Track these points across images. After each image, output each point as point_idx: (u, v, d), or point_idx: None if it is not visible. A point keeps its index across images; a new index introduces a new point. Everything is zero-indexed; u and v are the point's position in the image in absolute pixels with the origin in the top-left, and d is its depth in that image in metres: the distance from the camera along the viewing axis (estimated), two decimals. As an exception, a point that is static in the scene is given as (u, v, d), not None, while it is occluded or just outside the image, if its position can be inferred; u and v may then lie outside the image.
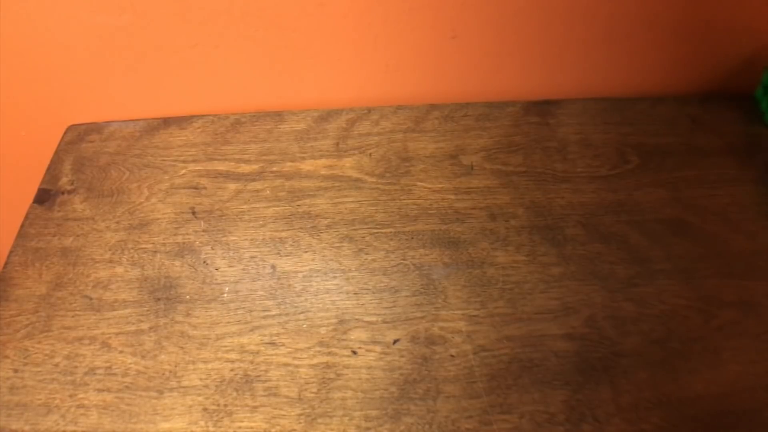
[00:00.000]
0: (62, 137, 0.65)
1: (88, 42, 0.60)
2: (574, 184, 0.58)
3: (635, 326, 0.49)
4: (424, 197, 0.58)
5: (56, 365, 0.49)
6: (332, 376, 0.48)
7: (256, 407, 0.46)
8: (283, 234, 0.56)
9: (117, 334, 0.51)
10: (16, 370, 0.49)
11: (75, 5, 0.57)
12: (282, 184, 0.60)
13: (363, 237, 0.55)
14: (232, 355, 0.49)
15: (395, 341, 0.49)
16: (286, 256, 0.55)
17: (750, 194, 0.56)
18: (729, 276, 0.51)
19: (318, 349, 0.49)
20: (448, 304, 0.51)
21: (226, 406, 0.47)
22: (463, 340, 0.49)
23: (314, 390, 0.47)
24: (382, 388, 0.47)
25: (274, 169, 0.61)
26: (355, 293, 0.52)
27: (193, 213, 0.58)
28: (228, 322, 0.51)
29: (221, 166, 0.61)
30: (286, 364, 0.48)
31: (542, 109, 0.64)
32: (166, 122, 0.66)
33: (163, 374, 0.48)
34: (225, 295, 0.53)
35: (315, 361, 0.48)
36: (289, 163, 0.61)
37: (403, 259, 0.54)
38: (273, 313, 0.51)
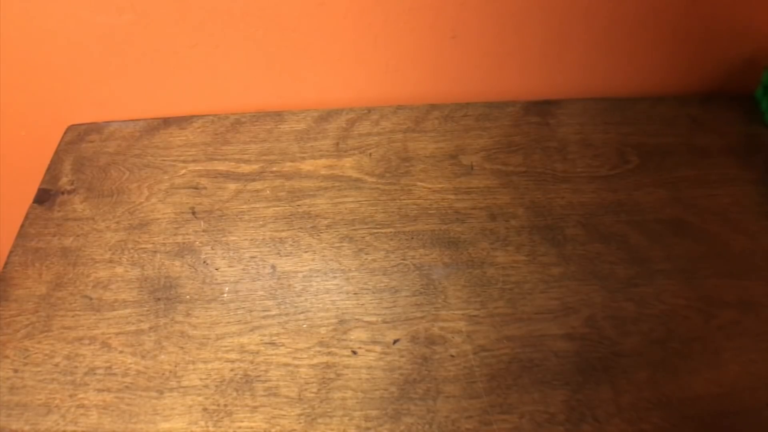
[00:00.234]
0: (62, 137, 0.65)
1: (88, 42, 0.60)
2: (574, 184, 0.58)
3: (635, 326, 0.49)
4: (424, 197, 0.58)
5: (56, 365, 0.49)
6: (332, 376, 0.48)
7: (256, 407, 0.46)
8: (283, 234, 0.56)
9: (117, 334, 0.51)
10: (16, 370, 0.49)
11: (75, 5, 0.57)
12: (282, 184, 0.60)
13: (363, 237, 0.55)
14: (232, 355, 0.49)
15: (395, 341, 0.49)
16: (286, 256, 0.55)
17: (750, 194, 0.56)
18: (729, 276, 0.51)
19: (318, 349, 0.49)
20: (448, 304, 0.51)
21: (226, 406, 0.47)
22: (463, 340, 0.49)
23: (314, 390, 0.47)
24: (382, 388, 0.47)
25: (274, 169, 0.61)
26: (355, 293, 0.52)
27: (193, 213, 0.58)
28: (228, 322, 0.51)
29: (221, 166, 0.61)
30: (286, 364, 0.48)
31: (542, 109, 0.64)
32: (166, 122, 0.66)
33: (163, 374, 0.48)
34: (225, 295, 0.53)
35: (315, 361, 0.48)
36: (289, 163, 0.61)
37: (403, 259, 0.54)
38: (273, 313, 0.51)
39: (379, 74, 0.65)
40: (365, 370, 0.48)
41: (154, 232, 0.57)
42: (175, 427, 0.46)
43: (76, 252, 0.56)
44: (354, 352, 0.49)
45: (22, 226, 0.58)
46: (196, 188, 0.60)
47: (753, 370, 0.46)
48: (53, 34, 0.60)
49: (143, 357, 0.49)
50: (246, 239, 0.56)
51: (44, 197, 0.60)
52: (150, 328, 0.51)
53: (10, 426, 0.46)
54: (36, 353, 0.50)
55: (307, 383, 0.47)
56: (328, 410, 0.46)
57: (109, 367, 0.49)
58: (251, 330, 0.50)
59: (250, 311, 0.51)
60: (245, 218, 0.57)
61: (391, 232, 0.56)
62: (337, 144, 0.62)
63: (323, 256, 0.54)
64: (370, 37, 0.61)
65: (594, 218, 0.55)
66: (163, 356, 0.49)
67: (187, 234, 0.57)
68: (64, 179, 0.62)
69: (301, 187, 0.59)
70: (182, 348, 0.50)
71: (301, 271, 0.54)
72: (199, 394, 0.47)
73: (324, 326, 0.50)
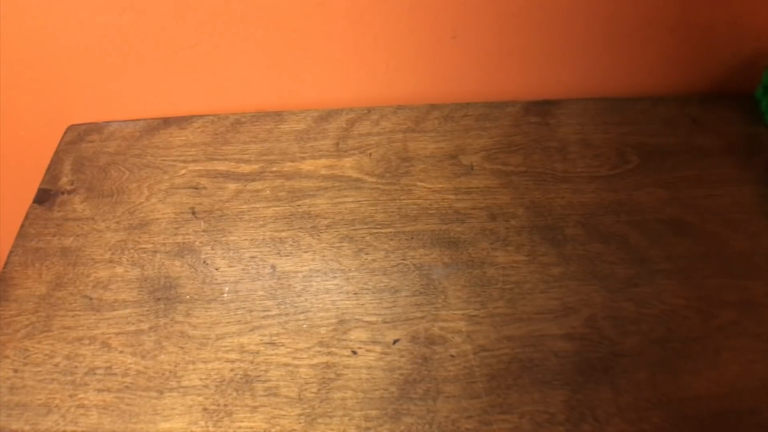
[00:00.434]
0: (62, 137, 0.65)
1: (88, 42, 0.60)
2: (574, 184, 0.58)
3: (635, 326, 0.49)
4: (424, 197, 0.58)
5: (56, 365, 0.49)
6: (332, 376, 0.48)
7: (256, 407, 0.46)
8: (283, 234, 0.56)
9: (117, 334, 0.51)
10: (16, 370, 0.49)
11: (75, 5, 0.57)
12: (282, 184, 0.60)
13: (363, 237, 0.55)
14: (232, 355, 0.49)
15: (395, 341, 0.49)
16: (286, 256, 0.55)
17: (750, 194, 0.56)
18: (729, 276, 0.51)
19: (318, 349, 0.49)
20: (448, 304, 0.51)
21: (226, 406, 0.47)
22: (463, 340, 0.49)
23: (314, 390, 0.47)
24: (382, 388, 0.47)
25: (274, 169, 0.61)
26: (355, 293, 0.52)
27: (193, 213, 0.58)
28: (228, 322, 0.51)
29: (221, 166, 0.61)
30: (286, 364, 0.48)
31: (542, 109, 0.64)
32: (166, 122, 0.66)
33: (163, 374, 0.48)
34: (225, 295, 0.53)
35: (315, 361, 0.48)
36: (289, 163, 0.61)
37: (403, 259, 0.54)
38: (273, 313, 0.51)
39: (379, 74, 0.65)
40: (365, 370, 0.48)
41: (154, 232, 0.57)
42: (175, 427, 0.46)
43: (76, 252, 0.56)
44: (354, 352, 0.49)
45: (22, 226, 0.58)
46: (196, 188, 0.60)
47: (753, 370, 0.46)
48: (53, 34, 0.60)
49: (143, 357, 0.49)
50: (246, 239, 0.56)
51: (44, 197, 0.60)
52: (150, 328, 0.51)
53: (10, 426, 0.46)
54: (36, 353, 0.50)
55: (307, 383, 0.47)
56: (328, 410, 0.46)
57: (109, 367, 0.49)
58: (251, 330, 0.50)
59: (250, 311, 0.51)
60: (245, 218, 0.57)
61: (391, 232, 0.56)
62: (337, 144, 0.62)
63: (323, 256, 0.54)
64: (369, 37, 0.61)
65: (594, 218, 0.55)
66: (163, 356, 0.49)
67: (187, 234, 0.57)
68: (64, 179, 0.62)
69: (301, 187, 0.59)
70: (182, 348, 0.50)
71: (301, 271, 0.54)
72: (199, 394, 0.47)
73: (324, 326, 0.50)
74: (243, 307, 0.52)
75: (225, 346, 0.50)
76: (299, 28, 0.59)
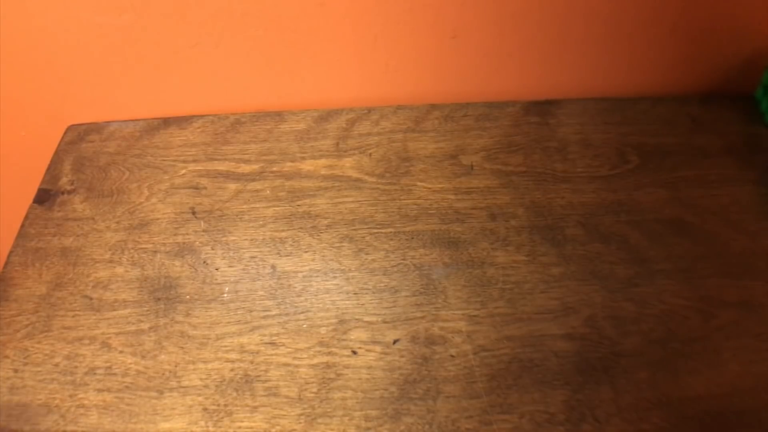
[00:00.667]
0: (62, 137, 0.65)
1: (88, 42, 0.60)
2: (574, 184, 0.58)
3: (635, 326, 0.49)
4: (424, 197, 0.58)
5: (56, 365, 0.49)
6: (332, 376, 0.48)
7: (256, 407, 0.46)
8: (283, 234, 0.56)
9: (117, 334, 0.51)
10: (16, 370, 0.49)
11: (75, 5, 0.57)
12: (282, 184, 0.60)
13: (363, 237, 0.55)
14: (232, 355, 0.49)
15: (395, 341, 0.49)
16: (286, 256, 0.55)
17: (750, 194, 0.56)
18: (729, 276, 0.51)
19: (318, 349, 0.49)
20: (448, 304, 0.51)
21: (226, 406, 0.47)
22: (463, 340, 0.49)
23: (314, 390, 0.47)
24: (382, 388, 0.47)
25: (274, 169, 0.61)
26: (355, 293, 0.52)
27: (193, 213, 0.58)
28: (228, 322, 0.51)
29: (221, 166, 0.61)
30: (286, 364, 0.48)
31: (542, 109, 0.64)
32: (166, 122, 0.66)
33: (163, 374, 0.48)
34: (225, 295, 0.53)
35: (315, 361, 0.48)
36: (289, 163, 0.61)
37: (403, 259, 0.54)
38: (273, 313, 0.51)
39: (379, 74, 0.65)
40: (365, 370, 0.48)
41: (154, 232, 0.57)
42: (175, 427, 0.46)
43: (76, 252, 0.56)
44: (354, 352, 0.49)
45: (22, 226, 0.58)
46: (196, 188, 0.60)
47: (753, 370, 0.46)
48: (53, 34, 0.60)
49: (143, 357, 0.49)
50: (246, 239, 0.56)
51: (44, 197, 0.60)
52: (150, 328, 0.51)
53: (10, 426, 0.46)
54: (36, 353, 0.50)
55: (307, 383, 0.47)
56: (328, 410, 0.46)
57: (109, 367, 0.49)
58: (251, 330, 0.50)
59: (250, 311, 0.51)
60: (245, 218, 0.57)
61: (391, 232, 0.56)
62: (337, 144, 0.62)
63: (323, 256, 0.54)
64: (369, 38, 0.61)
65: (594, 218, 0.55)
66: (163, 356, 0.49)
67: (187, 234, 0.57)
68: (64, 179, 0.62)
69: (301, 187, 0.59)
70: (182, 348, 0.50)
71: (301, 271, 0.54)
72: (199, 394, 0.47)
73: (324, 326, 0.50)
74: (243, 307, 0.52)
75: (225, 346, 0.50)
76: (299, 28, 0.59)
